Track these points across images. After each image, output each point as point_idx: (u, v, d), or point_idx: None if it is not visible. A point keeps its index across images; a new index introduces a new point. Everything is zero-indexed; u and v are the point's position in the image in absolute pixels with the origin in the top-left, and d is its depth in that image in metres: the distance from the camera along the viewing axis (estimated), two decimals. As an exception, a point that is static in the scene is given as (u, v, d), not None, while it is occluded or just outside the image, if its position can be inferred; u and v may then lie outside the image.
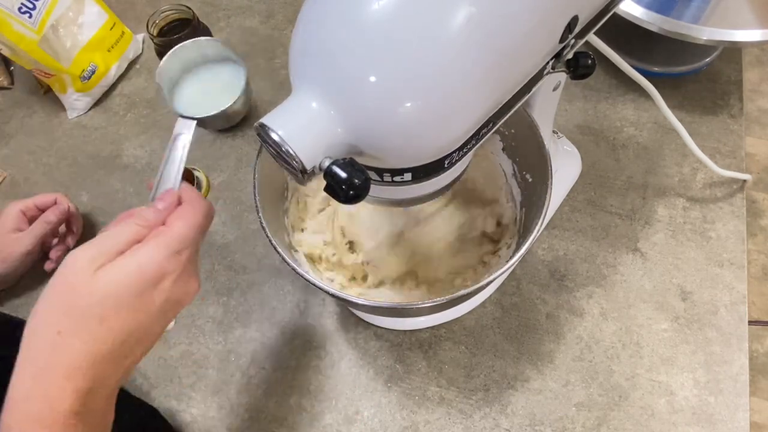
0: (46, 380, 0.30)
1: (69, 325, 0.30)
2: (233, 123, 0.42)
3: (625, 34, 0.66)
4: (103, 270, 0.31)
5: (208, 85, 0.50)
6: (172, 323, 0.36)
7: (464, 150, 0.32)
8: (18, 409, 0.30)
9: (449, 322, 0.58)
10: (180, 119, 0.40)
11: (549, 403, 0.54)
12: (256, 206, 0.43)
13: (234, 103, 0.38)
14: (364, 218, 0.55)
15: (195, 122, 0.40)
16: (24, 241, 0.60)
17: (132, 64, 0.82)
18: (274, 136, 0.27)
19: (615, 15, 0.39)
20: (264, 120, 0.28)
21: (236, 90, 0.39)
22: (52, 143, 0.76)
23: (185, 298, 0.34)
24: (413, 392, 0.56)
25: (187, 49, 0.44)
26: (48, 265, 0.64)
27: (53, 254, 0.64)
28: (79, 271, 0.31)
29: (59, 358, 0.30)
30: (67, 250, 0.65)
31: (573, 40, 0.34)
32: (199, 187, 0.69)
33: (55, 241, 0.65)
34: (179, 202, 0.36)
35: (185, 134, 0.39)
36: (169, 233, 0.33)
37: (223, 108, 0.37)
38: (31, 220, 0.62)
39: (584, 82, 0.73)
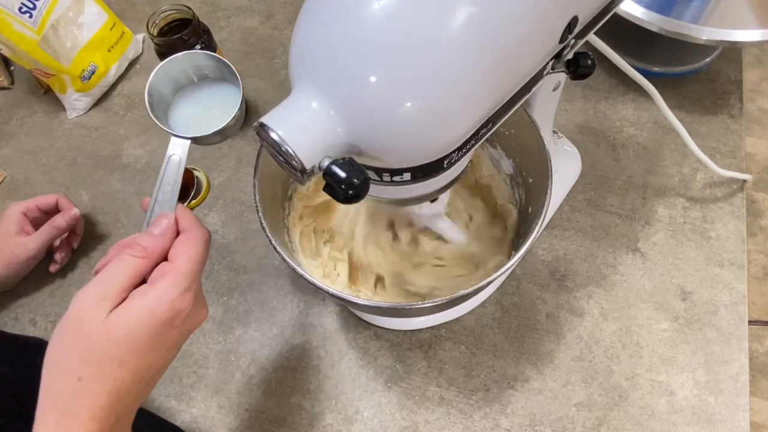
0: (71, 424, 0.30)
1: (88, 371, 0.30)
2: (228, 138, 0.40)
3: (625, 34, 0.66)
4: (116, 314, 0.31)
5: (202, 102, 0.48)
6: None
7: (464, 150, 0.32)
8: None
9: (449, 322, 0.58)
10: (173, 139, 0.38)
11: (549, 403, 0.54)
12: (256, 206, 0.43)
13: (231, 119, 0.37)
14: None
15: (189, 142, 0.39)
16: (30, 245, 0.59)
17: (132, 64, 0.82)
18: (273, 135, 0.27)
19: (615, 15, 0.39)
20: (263, 119, 0.28)
21: (233, 106, 0.37)
22: (52, 143, 0.76)
23: (196, 327, 0.35)
24: (413, 392, 0.56)
25: (178, 62, 0.42)
26: (53, 268, 0.64)
27: (58, 257, 0.63)
28: (89, 315, 0.31)
29: (82, 402, 0.30)
30: (72, 251, 0.65)
31: (573, 41, 0.34)
32: (199, 187, 0.69)
33: (58, 242, 0.64)
34: (177, 226, 0.35)
35: (179, 154, 0.38)
36: (176, 271, 0.33)
37: (219, 127, 0.36)
38: (33, 222, 0.62)
39: (584, 82, 0.73)
